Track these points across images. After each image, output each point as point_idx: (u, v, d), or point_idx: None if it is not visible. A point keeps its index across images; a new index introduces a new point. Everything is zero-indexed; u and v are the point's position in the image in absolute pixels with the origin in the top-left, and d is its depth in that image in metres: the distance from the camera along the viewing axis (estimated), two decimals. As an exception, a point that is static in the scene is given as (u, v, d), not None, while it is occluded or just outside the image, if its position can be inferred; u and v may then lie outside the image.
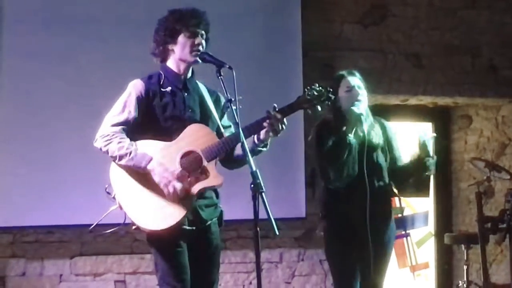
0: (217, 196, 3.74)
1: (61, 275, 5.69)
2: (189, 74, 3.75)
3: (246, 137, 3.47)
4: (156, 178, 3.47)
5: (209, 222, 3.68)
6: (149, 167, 3.46)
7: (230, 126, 3.79)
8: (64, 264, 5.70)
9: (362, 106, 4.21)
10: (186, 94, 3.70)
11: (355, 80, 4.25)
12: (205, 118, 3.70)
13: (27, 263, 5.63)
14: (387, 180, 4.33)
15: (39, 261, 5.65)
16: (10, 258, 5.60)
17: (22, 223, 5.47)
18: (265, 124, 3.54)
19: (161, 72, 3.71)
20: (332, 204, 4.29)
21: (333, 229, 4.31)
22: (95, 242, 5.62)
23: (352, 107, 4.18)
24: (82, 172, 5.36)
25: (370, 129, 4.27)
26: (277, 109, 3.55)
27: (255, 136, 3.60)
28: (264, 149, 3.66)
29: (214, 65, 3.55)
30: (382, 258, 4.30)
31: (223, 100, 3.80)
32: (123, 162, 3.48)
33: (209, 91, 3.81)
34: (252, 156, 3.55)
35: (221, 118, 3.79)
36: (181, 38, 3.64)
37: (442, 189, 7.45)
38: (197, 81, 3.80)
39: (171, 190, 3.46)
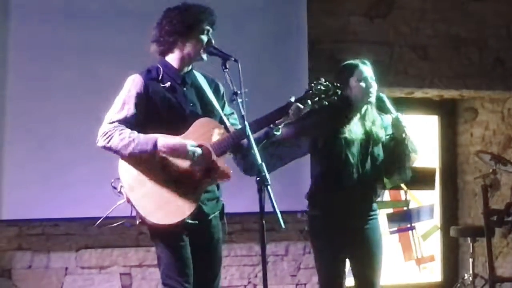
0: (218, 189, 3.71)
1: (67, 268, 5.70)
2: (188, 68, 3.71)
3: (255, 131, 3.48)
4: (168, 156, 3.46)
5: (211, 216, 3.66)
6: (158, 146, 3.43)
7: (232, 113, 3.77)
8: (70, 257, 5.71)
9: (373, 97, 4.17)
10: (185, 88, 3.66)
11: (369, 71, 4.20)
12: (206, 110, 3.66)
13: (33, 255, 5.64)
14: (380, 173, 4.27)
15: (45, 253, 5.66)
16: (16, 250, 5.61)
17: (28, 216, 5.47)
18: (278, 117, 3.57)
19: (159, 66, 3.65)
20: (320, 191, 4.23)
21: (318, 219, 4.24)
22: (101, 235, 5.62)
23: (367, 98, 4.15)
24: (88, 165, 5.35)
25: (376, 121, 4.24)
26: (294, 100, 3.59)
27: None
28: (277, 133, 3.64)
29: (219, 57, 3.54)
30: (371, 253, 4.26)
31: (222, 88, 3.79)
32: (129, 151, 3.43)
33: (207, 80, 3.77)
34: (268, 140, 3.59)
35: (222, 107, 3.75)
36: (196, 34, 3.59)
37: (447, 182, 7.45)
38: (194, 72, 3.76)
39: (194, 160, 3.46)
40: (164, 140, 3.45)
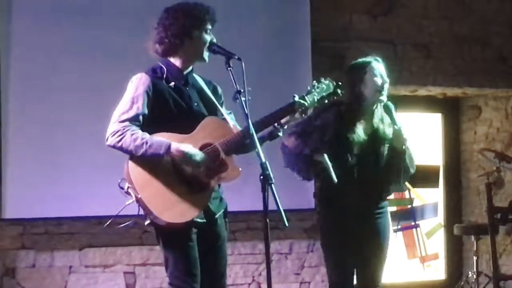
0: (219, 187, 3.71)
1: (70, 267, 5.70)
2: (190, 69, 3.71)
3: (260, 130, 3.51)
4: (180, 163, 3.46)
5: (217, 215, 3.67)
6: (170, 150, 3.42)
7: (230, 113, 3.77)
8: (74, 256, 5.71)
9: (385, 96, 4.18)
10: (187, 88, 3.66)
11: (382, 69, 4.20)
12: (209, 110, 3.67)
13: (37, 254, 5.64)
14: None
15: (48, 252, 5.66)
16: (20, 249, 5.61)
17: (31, 215, 5.48)
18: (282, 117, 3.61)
19: (162, 66, 3.64)
20: (328, 192, 4.23)
21: (328, 218, 4.27)
22: (104, 233, 5.61)
23: (380, 96, 4.14)
24: (91, 164, 5.37)
25: (384, 119, 4.24)
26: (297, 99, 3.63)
27: None
28: (280, 134, 3.66)
29: (223, 56, 3.54)
30: (378, 249, 4.27)
31: (220, 89, 3.80)
32: (140, 153, 3.41)
33: (205, 81, 3.77)
34: (271, 140, 3.61)
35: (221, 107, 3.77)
36: (200, 34, 3.59)
37: (451, 180, 7.44)
38: (193, 74, 3.76)
39: (202, 169, 3.47)
40: (177, 146, 3.44)
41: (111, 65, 5.42)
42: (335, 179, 4.02)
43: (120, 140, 3.44)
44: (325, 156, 4.03)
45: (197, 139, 3.53)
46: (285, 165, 4.22)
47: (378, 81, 4.15)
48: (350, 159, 4.13)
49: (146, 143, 3.42)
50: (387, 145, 4.22)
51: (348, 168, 4.14)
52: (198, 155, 3.47)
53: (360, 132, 4.17)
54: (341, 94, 3.79)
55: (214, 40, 3.62)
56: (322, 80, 3.75)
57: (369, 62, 4.21)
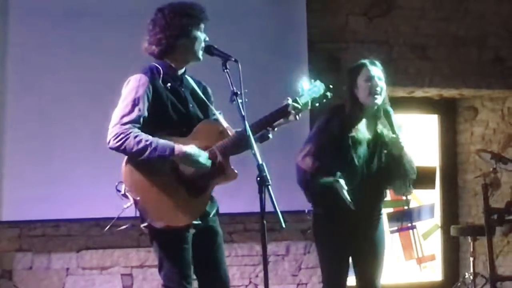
0: None
1: (67, 269, 5.71)
2: (184, 69, 3.71)
3: (256, 132, 3.50)
4: (183, 164, 3.47)
5: (211, 215, 3.67)
6: (175, 152, 3.42)
7: (220, 113, 3.75)
8: (71, 258, 5.71)
9: (380, 98, 4.14)
10: (183, 89, 3.66)
11: (376, 70, 4.17)
12: (203, 111, 3.68)
13: (34, 256, 5.64)
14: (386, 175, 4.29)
15: (46, 254, 5.66)
16: (17, 251, 5.62)
17: (29, 217, 5.48)
18: (277, 119, 3.61)
19: (159, 66, 3.61)
20: (323, 193, 4.19)
21: (323, 218, 4.24)
22: (101, 235, 5.61)
23: (373, 99, 4.12)
24: (89, 166, 5.37)
25: (385, 124, 4.22)
26: (291, 102, 3.62)
27: None
28: (270, 136, 3.66)
29: (220, 58, 3.53)
30: (376, 251, 4.26)
31: (210, 90, 3.81)
32: (145, 155, 3.39)
33: (196, 82, 3.77)
34: (261, 142, 3.60)
35: None
36: (195, 33, 3.59)
37: (448, 181, 7.45)
38: (185, 75, 3.75)
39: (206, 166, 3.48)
40: (181, 148, 3.44)
41: (110, 66, 5.41)
42: (352, 205, 4.02)
43: (123, 143, 3.40)
44: (341, 182, 4.03)
45: (194, 143, 3.51)
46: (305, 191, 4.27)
47: (370, 85, 4.13)
48: (357, 163, 4.13)
49: (150, 145, 3.40)
50: (386, 150, 4.22)
51: (353, 171, 4.13)
52: (202, 156, 3.47)
53: (363, 135, 4.16)
54: (330, 97, 3.79)
55: (207, 39, 3.62)
56: (313, 81, 3.76)
57: (363, 65, 4.19)
